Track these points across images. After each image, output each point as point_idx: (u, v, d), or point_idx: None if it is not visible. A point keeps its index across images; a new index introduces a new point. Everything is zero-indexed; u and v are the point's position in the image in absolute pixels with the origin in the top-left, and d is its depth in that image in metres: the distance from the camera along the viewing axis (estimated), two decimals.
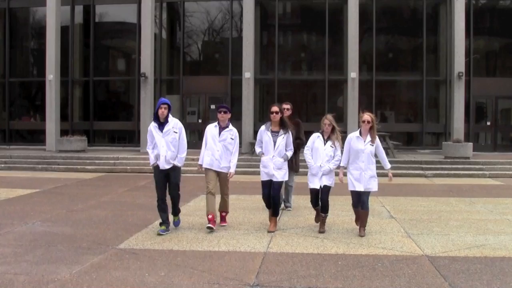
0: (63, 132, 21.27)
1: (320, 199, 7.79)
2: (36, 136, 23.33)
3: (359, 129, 7.62)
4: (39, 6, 22.83)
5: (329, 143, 7.74)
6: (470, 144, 18.06)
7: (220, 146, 7.85)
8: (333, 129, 7.73)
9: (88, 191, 12.36)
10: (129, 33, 23.77)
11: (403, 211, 9.77)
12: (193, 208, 9.81)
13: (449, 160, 17.34)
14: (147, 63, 20.70)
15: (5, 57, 23.76)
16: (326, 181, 7.72)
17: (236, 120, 20.84)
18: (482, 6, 22.76)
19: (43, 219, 8.74)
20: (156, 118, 7.59)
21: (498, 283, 5.44)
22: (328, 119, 7.73)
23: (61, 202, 10.64)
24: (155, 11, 21.72)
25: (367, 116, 7.46)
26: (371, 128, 7.48)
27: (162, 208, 7.68)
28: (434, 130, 22.29)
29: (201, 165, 8.01)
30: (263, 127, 7.96)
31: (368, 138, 7.49)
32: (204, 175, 8.07)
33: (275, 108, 7.82)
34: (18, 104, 24.98)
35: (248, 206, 10.03)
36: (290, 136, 7.93)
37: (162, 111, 7.49)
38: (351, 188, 7.59)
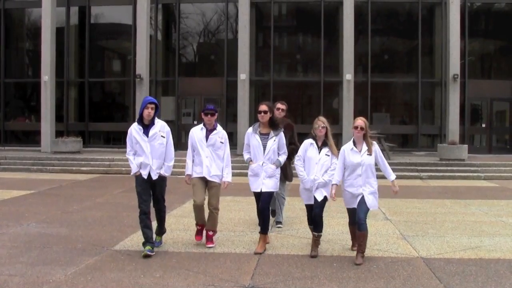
0: (58, 133, 21.26)
1: (312, 213, 6.66)
2: (31, 137, 23.24)
3: (352, 139, 6.58)
4: (35, 7, 22.79)
5: (324, 151, 6.62)
6: (465, 146, 18.12)
7: (208, 151, 6.87)
8: (326, 133, 6.66)
9: (83, 193, 12.33)
10: (124, 34, 23.75)
11: (398, 213, 9.79)
12: (189, 210, 9.73)
13: (444, 162, 17.38)
14: (142, 64, 20.70)
15: (0, 57, 23.68)
16: (321, 193, 6.58)
17: (232, 121, 20.98)
18: (477, 8, 22.84)
19: (38, 220, 8.72)
20: (140, 119, 6.65)
21: (493, 285, 5.45)
22: (321, 121, 6.63)
23: (56, 203, 10.61)
24: (150, 13, 21.69)
25: (360, 122, 6.43)
26: (364, 136, 6.46)
27: (146, 224, 6.58)
28: (430, 132, 22.35)
29: (189, 175, 7.02)
30: (250, 129, 6.94)
31: (364, 147, 6.42)
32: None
33: (263, 107, 6.79)
34: (13, 105, 24.87)
35: (243, 208, 10.04)
36: (282, 137, 6.91)
37: (149, 112, 6.53)
38: (347, 205, 6.65)
